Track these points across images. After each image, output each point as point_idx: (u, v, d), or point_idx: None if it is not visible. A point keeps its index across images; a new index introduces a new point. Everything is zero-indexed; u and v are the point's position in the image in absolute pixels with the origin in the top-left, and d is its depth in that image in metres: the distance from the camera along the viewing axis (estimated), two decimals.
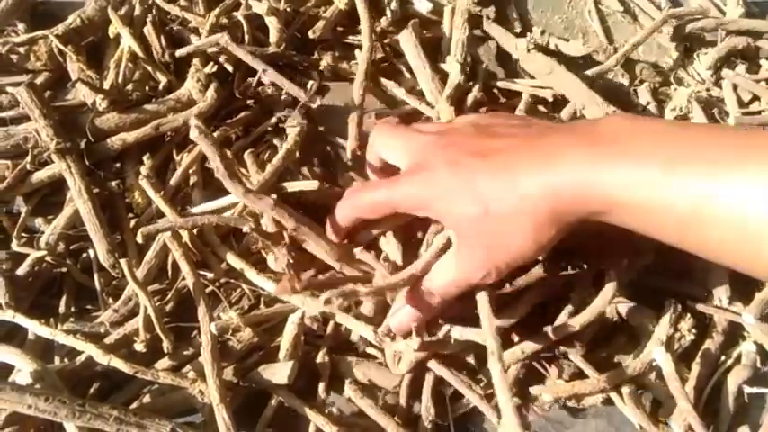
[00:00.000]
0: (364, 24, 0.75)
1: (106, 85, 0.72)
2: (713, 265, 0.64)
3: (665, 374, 0.59)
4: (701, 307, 0.65)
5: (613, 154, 0.43)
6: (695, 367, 0.61)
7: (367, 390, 0.60)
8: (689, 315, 0.62)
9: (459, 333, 0.56)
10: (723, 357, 0.63)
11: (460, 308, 0.54)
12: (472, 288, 0.51)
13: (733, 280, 0.65)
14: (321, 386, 0.60)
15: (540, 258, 0.58)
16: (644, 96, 0.81)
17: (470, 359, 0.60)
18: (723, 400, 0.61)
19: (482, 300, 0.50)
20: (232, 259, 0.64)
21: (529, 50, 0.77)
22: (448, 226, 0.52)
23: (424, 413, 0.59)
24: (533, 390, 0.60)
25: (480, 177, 0.47)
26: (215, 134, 0.70)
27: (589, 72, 0.77)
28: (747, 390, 0.62)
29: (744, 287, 0.66)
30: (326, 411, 0.59)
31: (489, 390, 0.59)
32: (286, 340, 0.60)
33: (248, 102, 0.76)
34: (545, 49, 0.79)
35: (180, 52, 0.75)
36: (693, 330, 0.62)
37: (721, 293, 0.64)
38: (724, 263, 0.45)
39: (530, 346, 0.59)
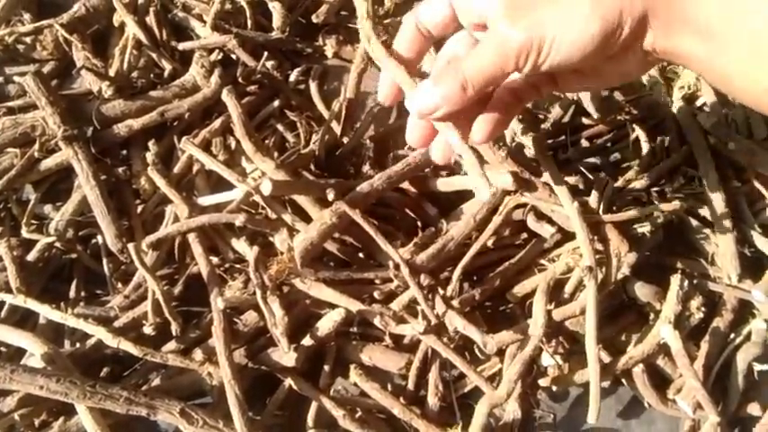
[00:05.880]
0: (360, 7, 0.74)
1: (111, 73, 0.72)
2: (723, 242, 0.64)
3: (674, 352, 0.58)
4: (710, 285, 0.64)
5: None
6: (704, 345, 0.61)
7: (373, 373, 0.61)
8: (698, 293, 0.62)
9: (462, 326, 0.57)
10: (733, 335, 0.63)
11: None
12: (503, 77, 0.43)
13: (743, 257, 0.64)
14: (325, 369, 0.61)
15: None
16: (652, 74, 0.80)
17: None
18: (732, 378, 0.61)
19: None
20: (237, 244, 0.64)
21: None
22: None
23: (432, 391, 0.59)
24: (543, 382, 0.60)
25: None
26: (218, 120, 0.71)
27: None
28: (757, 367, 0.61)
29: (754, 265, 0.65)
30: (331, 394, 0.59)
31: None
32: (320, 332, 0.59)
33: (252, 87, 0.76)
34: None
35: (183, 46, 0.76)
36: (702, 308, 0.62)
37: (731, 271, 0.63)
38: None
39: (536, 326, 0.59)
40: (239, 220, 0.61)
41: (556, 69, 0.42)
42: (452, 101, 0.43)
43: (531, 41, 0.40)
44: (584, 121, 0.75)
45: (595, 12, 0.39)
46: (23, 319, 0.63)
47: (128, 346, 0.57)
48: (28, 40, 0.77)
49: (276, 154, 0.70)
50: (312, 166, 0.70)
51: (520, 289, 0.63)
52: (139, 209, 0.69)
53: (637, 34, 0.40)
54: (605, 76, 0.46)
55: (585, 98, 0.73)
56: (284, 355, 0.58)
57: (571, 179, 0.67)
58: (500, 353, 0.61)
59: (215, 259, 0.64)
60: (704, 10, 0.38)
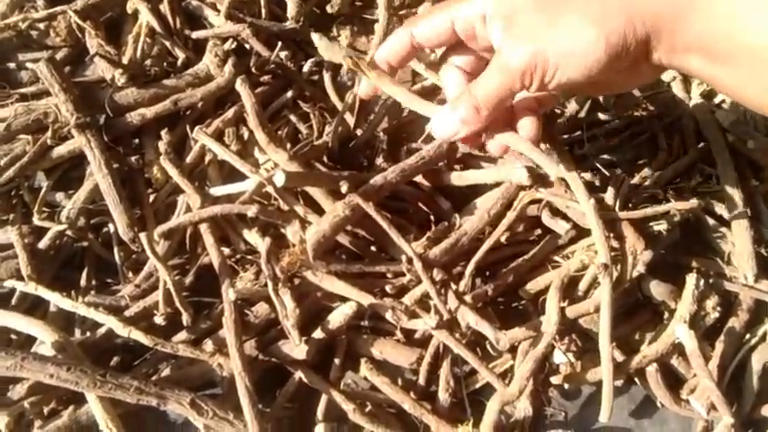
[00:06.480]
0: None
1: (125, 61, 0.72)
2: (739, 242, 0.63)
3: (688, 352, 0.58)
4: (726, 284, 0.64)
5: None
6: (719, 345, 0.60)
7: (383, 367, 0.60)
8: (714, 293, 0.61)
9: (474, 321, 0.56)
10: (748, 336, 0.62)
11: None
12: (512, 94, 0.45)
13: (759, 257, 0.63)
14: (336, 362, 0.60)
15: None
16: (669, 71, 0.79)
17: None
18: (747, 379, 0.60)
19: None
20: (249, 236, 0.64)
21: None
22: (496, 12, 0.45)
23: (443, 386, 0.58)
24: (555, 379, 0.60)
25: None
26: (231, 110, 0.70)
27: None
28: None
29: None
30: (341, 387, 0.59)
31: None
32: (331, 325, 0.59)
33: (265, 77, 0.76)
34: None
35: (197, 35, 0.75)
36: (718, 308, 0.61)
37: (747, 271, 0.63)
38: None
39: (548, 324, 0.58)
40: (251, 211, 0.60)
41: (565, 87, 0.43)
42: (470, 123, 0.46)
43: (535, 64, 0.42)
44: (601, 116, 0.75)
45: (601, 36, 0.40)
46: (34, 307, 0.63)
47: (138, 336, 0.57)
48: (41, 26, 0.76)
49: (289, 145, 0.70)
50: (325, 158, 0.70)
51: (533, 285, 0.62)
52: (151, 198, 0.68)
53: (642, 54, 0.41)
54: (617, 86, 0.48)
55: None
56: (295, 348, 0.58)
57: (587, 175, 0.66)
58: (512, 349, 0.60)
59: (226, 250, 0.64)
60: (705, 33, 0.38)
